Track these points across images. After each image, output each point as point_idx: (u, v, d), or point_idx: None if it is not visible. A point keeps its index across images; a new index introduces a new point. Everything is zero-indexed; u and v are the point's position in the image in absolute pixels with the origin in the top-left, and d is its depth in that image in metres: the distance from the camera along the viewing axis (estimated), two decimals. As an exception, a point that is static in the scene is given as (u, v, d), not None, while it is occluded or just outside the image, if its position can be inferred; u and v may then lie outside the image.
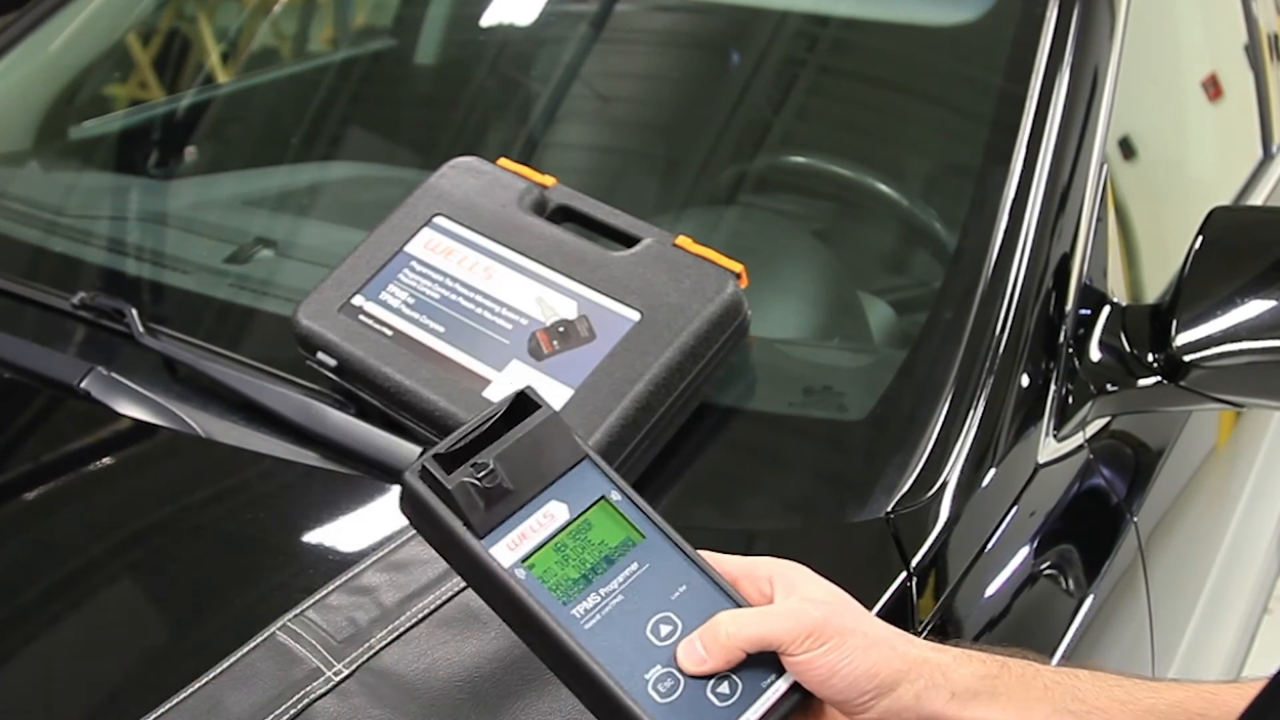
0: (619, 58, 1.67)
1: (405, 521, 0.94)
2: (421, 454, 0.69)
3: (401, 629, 0.85)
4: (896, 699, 0.64)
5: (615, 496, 0.70)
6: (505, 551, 0.67)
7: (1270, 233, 1.19)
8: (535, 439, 0.69)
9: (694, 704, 0.65)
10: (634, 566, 0.68)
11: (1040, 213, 1.17)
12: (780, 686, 0.66)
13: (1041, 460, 1.12)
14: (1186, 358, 1.13)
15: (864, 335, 1.29)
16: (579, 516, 0.69)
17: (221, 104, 1.82)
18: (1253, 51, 1.92)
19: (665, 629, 0.66)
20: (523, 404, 0.70)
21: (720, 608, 0.67)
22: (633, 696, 0.64)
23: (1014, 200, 1.18)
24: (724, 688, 0.65)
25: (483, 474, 0.67)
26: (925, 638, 0.69)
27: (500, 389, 1.01)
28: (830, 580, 0.70)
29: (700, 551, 0.70)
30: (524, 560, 0.67)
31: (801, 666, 0.64)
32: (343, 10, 2.11)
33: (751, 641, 0.65)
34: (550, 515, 0.69)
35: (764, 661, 0.66)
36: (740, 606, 0.68)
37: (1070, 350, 1.17)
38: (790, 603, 0.66)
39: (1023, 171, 1.20)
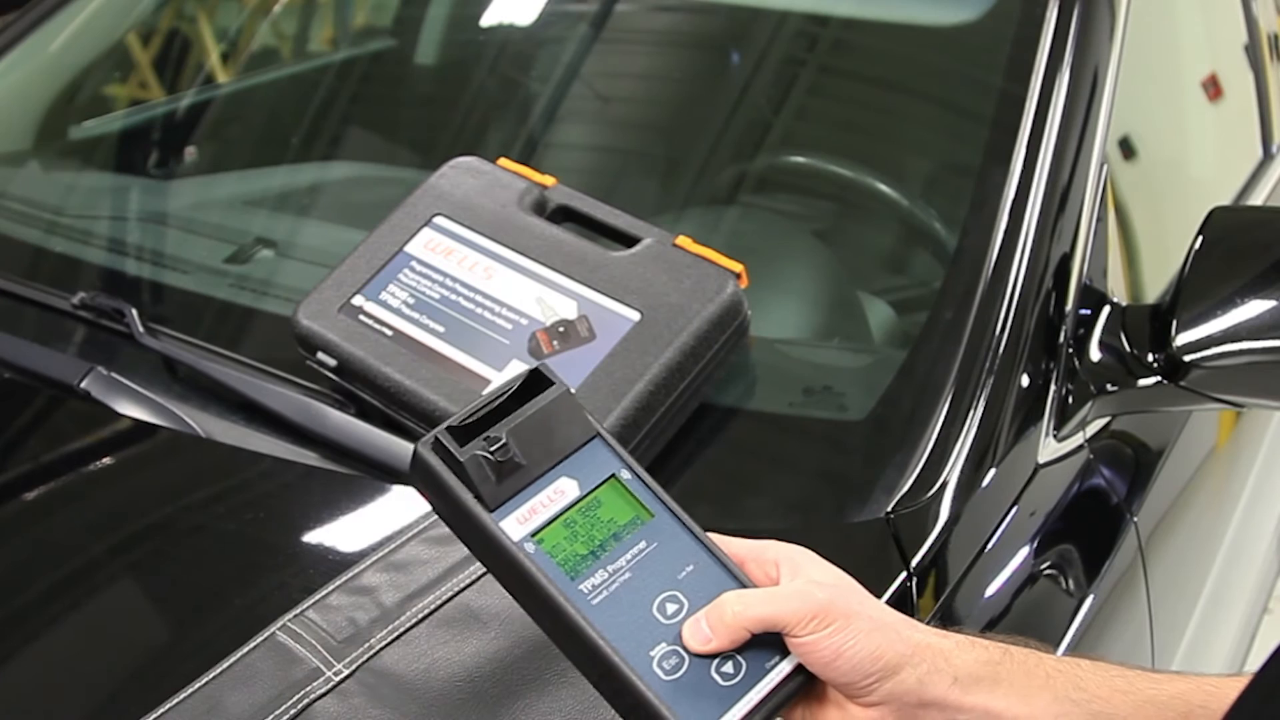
0: (619, 58, 1.67)
1: (405, 521, 0.95)
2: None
3: (401, 629, 0.85)
4: (899, 683, 0.64)
5: (625, 475, 0.70)
6: (515, 525, 0.67)
7: (1270, 233, 1.19)
8: (547, 415, 0.69)
9: (698, 682, 0.65)
10: (642, 545, 0.69)
11: (1040, 213, 1.17)
12: (784, 668, 0.66)
13: (1041, 460, 1.12)
14: (1186, 358, 1.13)
15: (864, 335, 1.29)
16: (589, 494, 0.69)
17: (221, 104, 1.82)
18: (1253, 51, 1.92)
19: (671, 607, 0.67)
20: (536, 381, 0.71)
21: (726, 588, 0.67)
22: (638, 673, 0.64)
23: (1014, 200, 1.18)
24: (728, 667, 0.66)
25: (495, 447, 0.67)
26: None
27: (500, 389, 1.01)
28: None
29: (708, 533, 0.71)
30: (533, 535, 0.67)
31: (806, 648, 0.64)
32: (343, 10, 2.11)
33: (757, 621, 0.65)
34: (560, 491, 0.69)
35: (768, 643, 0.66)
36: (746, 586, 0.68)
37: (1070, 350, 1.17)
38: (796, 584, 0.66)
39: (1023, 171, 1.20)
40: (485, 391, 0.83)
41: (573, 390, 0.72)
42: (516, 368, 1.03)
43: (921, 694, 0.64)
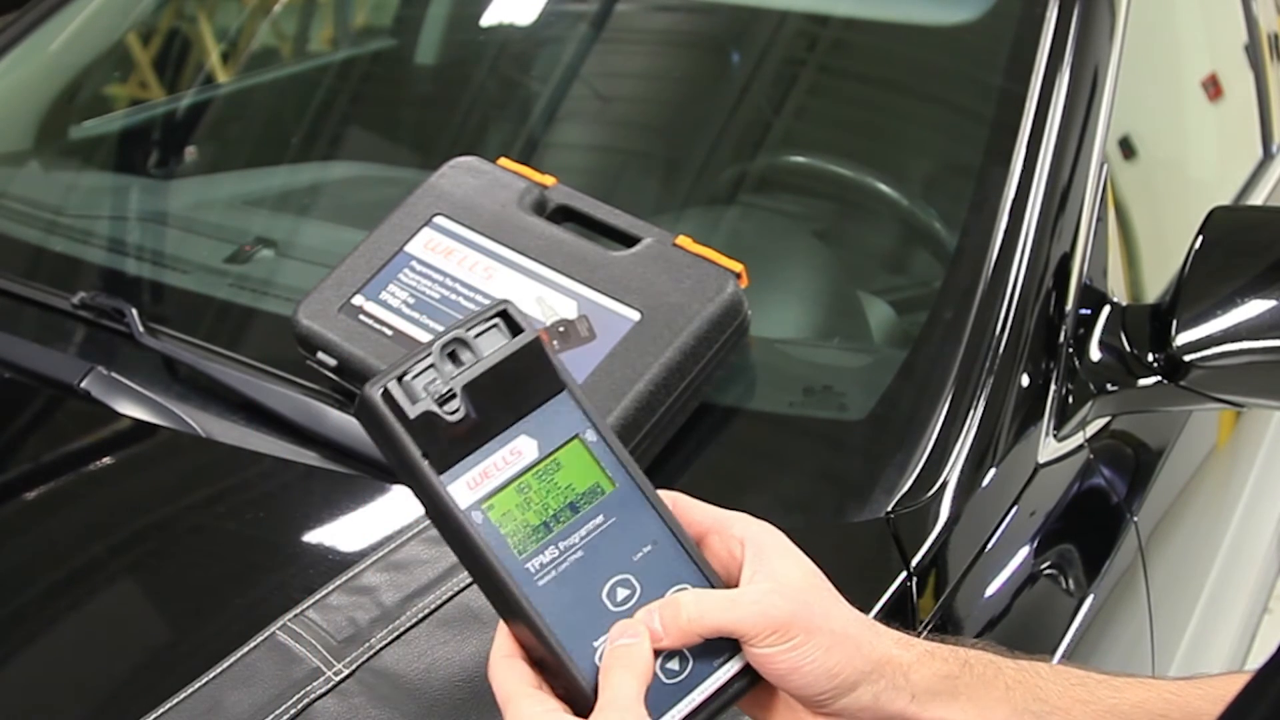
0: (619, 58, 1.67)
1: (405, 521, 0.95)
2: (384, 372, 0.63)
3: (401, 629, 0.85)
4: (855, 699, 0.63)
5: (590, 436, 0.65)
6: (464, 490, 0.62)
7: (1270, 233, 1.19)
8: (512, 365, 0.63)
9: None
10: (599, 519, 0.64)
11: (1040, 213, 1.17)
12: (732, 667, 0.63)
13: (1041, 460, 1.12)
14: (1186, 358, 1.13)
15: (864, 335, 1.29)
16: (548, 455, 0.64)
17: (221, 104, 1.82)
18: (1253, 51, 1.92)
19: (622, 593, 0.63)
20: (504, 321, 0.65)
21: (683, 578, 0.64)
22: (578, 666, 0.61)
23: (1014, 200, 1.18)
24: (673, 664, 0.63)
25: (448, 403, 0.61)
26: (924, 637, 0.68)
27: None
28: (830, 580, 0.69)
29: (673, 494, 0.67)
30: (483, 501, 0.62)
31: (761, 659, 0.62)
32: (343, 10, 2.11)
33: (713, 629, 0.62)
34: (517, 452, 0.64)
35: (719, 641, 0.63)
36: (706, 578, 0.65)
37: (1070, 350, 1.17)
38: (758, 591, 0.63)
39: (1023, 171, 1.20)
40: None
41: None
42: None
43: (877, 711, 0.63)
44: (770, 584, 0.64)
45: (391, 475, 1.02)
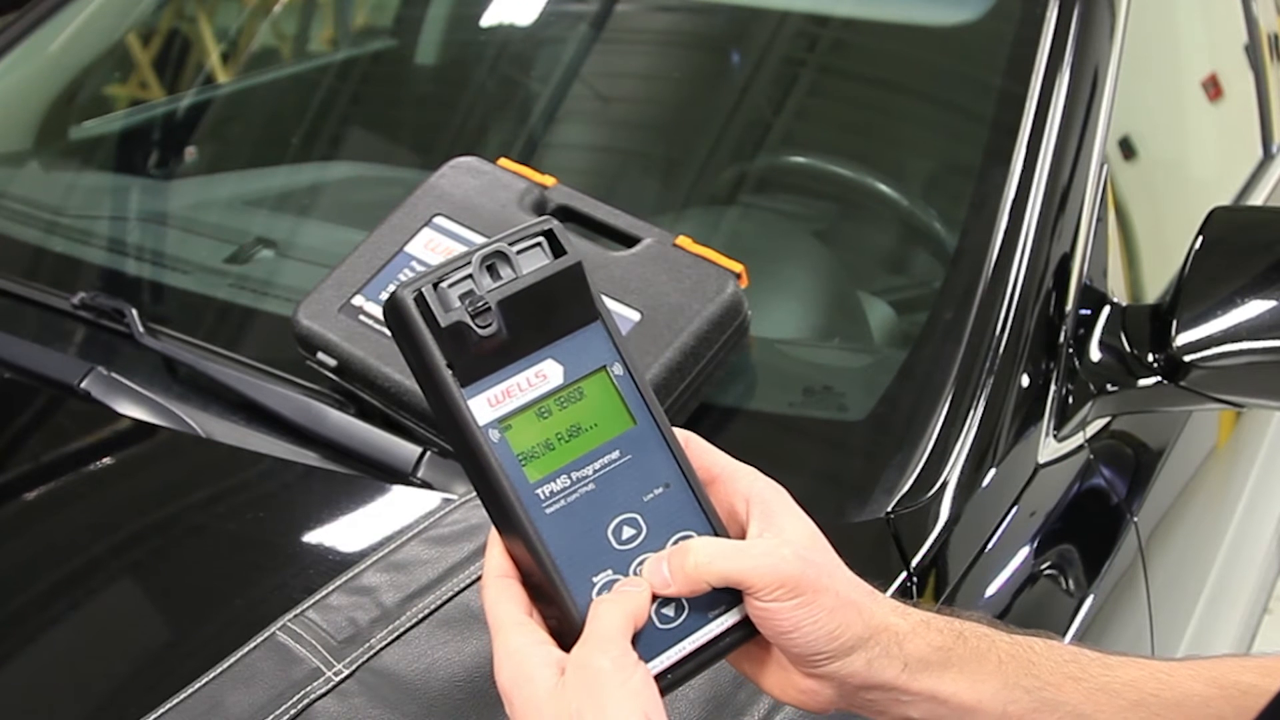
0: (619, 58, 1.67)
1: (405, 521, 0.95)
2: (419, 276, 0.61)
3: (402, 629, 0.85)
4: (847, 664, 0.62)
5: (617, 370, 0.63)
6: (484, 407, 0.61)
7: (1270, 233, 1.19)
8: (549, 288, 0.61)
9: None
10: (615, 455, 0.63)
11: (1040, 213, 1.17)
12: (727, 621, 0.62)
13: (1041, 460, 1.12)
14: (1187, 358, 1.13)
15: (864, 335, 1.29)
16: (573, 383, 0.62)
17: (221, 104, 1.82)
18: (1253, 51, 1.92)
19: (628, 532, 0.62)
20: (548, 241, 0.63)
21: (690, 526, 0.63)
22: (574, 599, 0.60)
23: (1014, 200, 1.18)
24: (669, 609, 0.62)
25: (481, 318, 0.60)
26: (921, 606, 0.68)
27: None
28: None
29: (686, 434, 0.65)
30: (501, 420, 0.61)
31: (764, 614, 0.61)
32: (343, 10, 2.10)
33: (721, 577, 0.61)
34: (542, 375, 0.62)
35: (718, 591, 0.62)
36: (713, 528, 0.63)
37: (1070, 350, 1.17)
38: (770, 544, 0.63)
39: (1023, 171, 1.20)
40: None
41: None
42: None
43: (868, 677, 0.63)
44: (779, 539, 0.63)
45: (391, 475, 1.02)
